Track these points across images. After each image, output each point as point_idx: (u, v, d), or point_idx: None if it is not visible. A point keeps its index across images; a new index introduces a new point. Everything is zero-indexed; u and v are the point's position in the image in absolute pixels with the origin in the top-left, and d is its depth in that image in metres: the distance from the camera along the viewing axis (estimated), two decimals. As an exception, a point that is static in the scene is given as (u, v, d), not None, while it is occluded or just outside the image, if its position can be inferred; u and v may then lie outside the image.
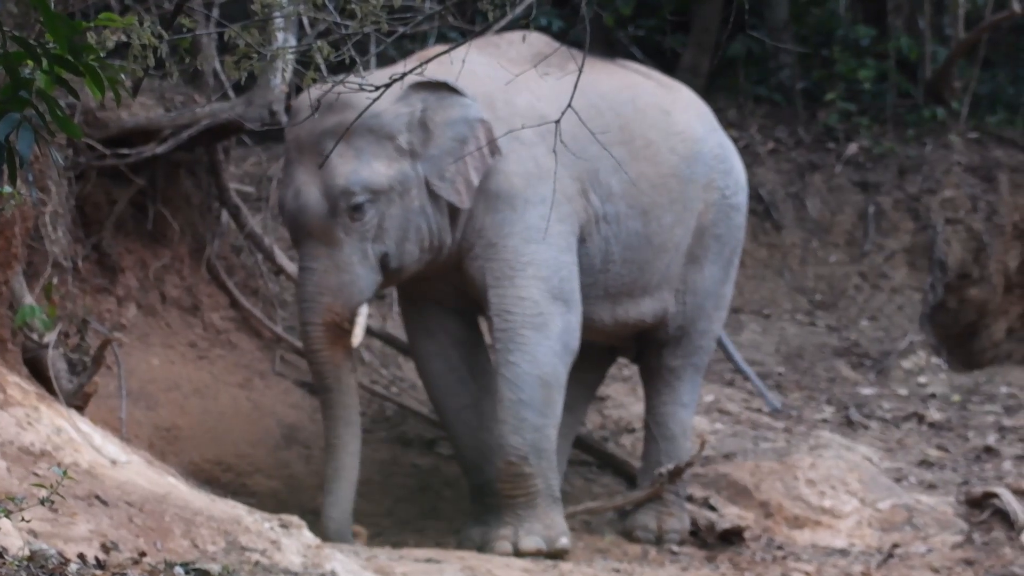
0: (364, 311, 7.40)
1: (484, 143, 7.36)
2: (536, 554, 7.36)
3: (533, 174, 7.50)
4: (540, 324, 7.49)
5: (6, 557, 4.53)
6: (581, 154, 7.03)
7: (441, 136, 7.37)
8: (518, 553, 7.36)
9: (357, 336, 7.39)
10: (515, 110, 7.47)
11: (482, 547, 7.57)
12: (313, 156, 7.31)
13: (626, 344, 8.41)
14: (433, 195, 7.40)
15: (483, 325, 8.08)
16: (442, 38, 10.15)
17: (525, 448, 7.46)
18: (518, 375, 7.47)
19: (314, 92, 7.43)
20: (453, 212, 7.47)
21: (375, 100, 5.02)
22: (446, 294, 7.78)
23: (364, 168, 7.28)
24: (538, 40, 7.72)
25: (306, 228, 7.35)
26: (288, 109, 8.41)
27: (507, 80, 7.10)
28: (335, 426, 7.43)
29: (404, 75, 4.90)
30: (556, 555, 7.43)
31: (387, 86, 4.84)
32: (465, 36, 9.06)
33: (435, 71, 7.06)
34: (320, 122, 7.25)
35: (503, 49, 7.76)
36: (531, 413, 7.46)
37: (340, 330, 7.35)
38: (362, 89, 5.01)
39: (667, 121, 8.09)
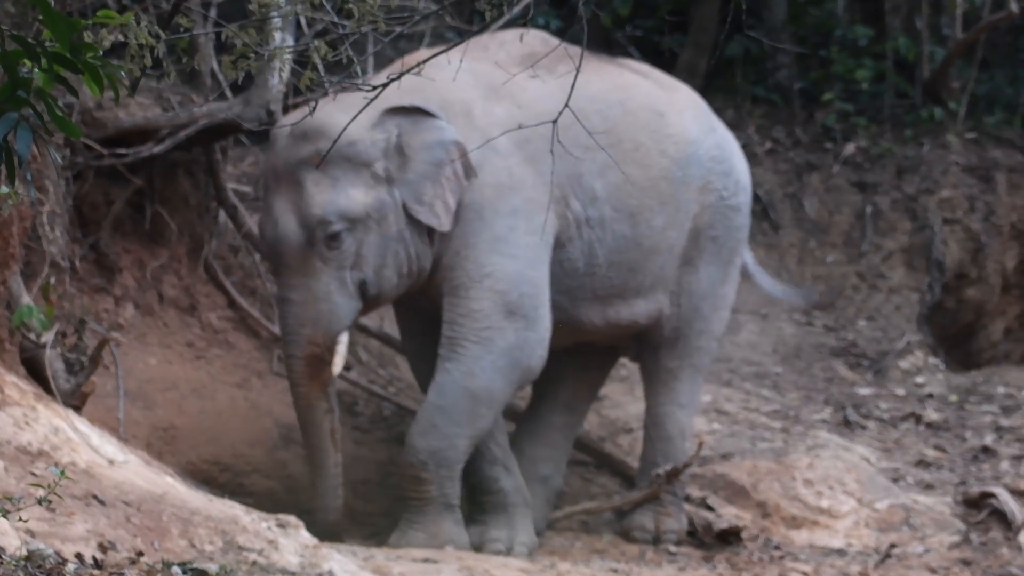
0: (344, 339, 7.39)
1: (459, 165, 7.34)
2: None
3: (505, 185, 7.47)
4: (485, 339, 7.45)
5: (4, 557, 4.53)
6: (563, 158, 7.00)
7: (417, 160, 7.34)
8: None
9: (337, 365, 7.39)
10: (493, 119, 7.44)
11: (479, 547, 7.57)
12: (290, 185, 7.31)
13: (625, 344, 8.40)
14: (411, 220, 7.37)
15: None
16: (439, 38, 10.14)
17: (425, 454, 7.43)
18: (446, 382, 7.44)
19: (291, 118, 7.44)
20: (431, 235, 7.46)
21: (372, 101, 5.02)
22: (423, 302, 7.73)
23: (341, 196, 7.26)
24: (533, 38, 7.66)
25: (284, 258, 7.34)
26: (286, 109, 8.42)
27: (490, 85, 7.07)
28: (313, 472, 7.54)
29: (401, 75, 4.90)
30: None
31: (384, 86, 4.84)
32: (462, 36, 9.05)
33: (416, 79, 7.05)
34: (295, 151, 7.27)
35: (491, 52, 7.69)
36: (445, 421, 7.43)
37: (321, 362, 7.34)
38: (359, 90, 5.01)
39: (659, 123, 8.02)
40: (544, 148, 6.68)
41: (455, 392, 7.43)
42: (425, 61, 4.98)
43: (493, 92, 7.39)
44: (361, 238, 7.31)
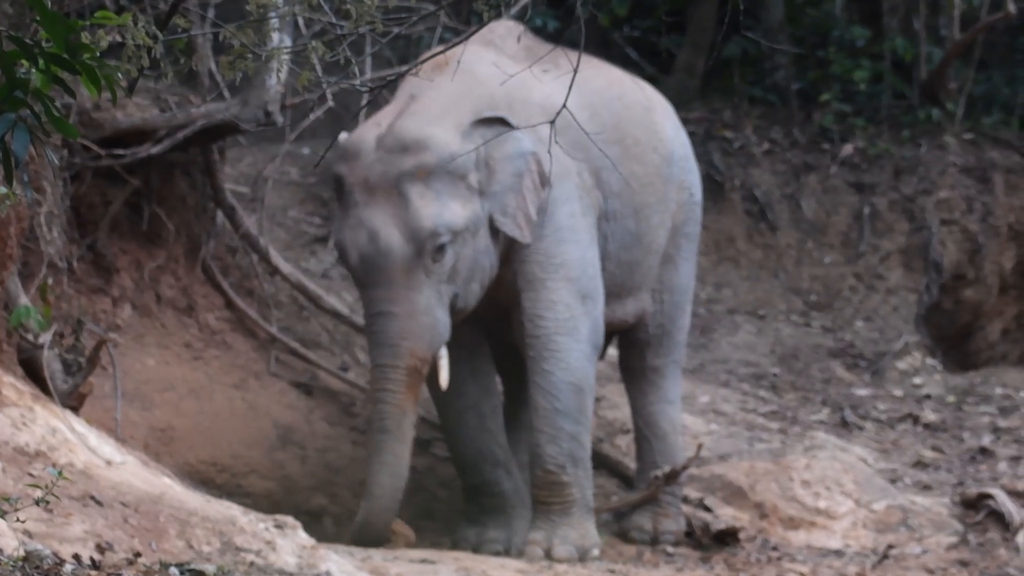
0: (445, 353, 7.35)
1: (536, 175, 7.36)
2: (567, 561, 7.34)
3: (557, 173, 7.47)
4: (571, 328, 7.49)
5: (1, 558, 4.52)
6: (588, 150, 7.08)
7: (502, 172, 7.36)
8: (550, 559, 7.36)
9: (445, 379, 7.35)
10: (532, 109, 7.45)
11: (477, 548, 7.58)
12: (390, 198, 7.24)
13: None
14: (494, 232, 7.39)
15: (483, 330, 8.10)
16: (439, 39, 10.15)
17: (562, 457, 7.48)
18: (553, 384, 7.46)
19: (369, 131, 7.38)
20: (495, 242, 7.46)
21: (371, 100, 5.02)
22: (501, 301, 7.71)
23: (446, 210, 7.23)
24: (524, 35, 7.73)
25: (386, 272, 7.23)
26: (283, 110, 8.41)
27: (514, 78, 7.08)
28: (381, 473, 7.27)
29: (401, 74, 4.91)
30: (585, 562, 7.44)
31: (383, 86, 4.84)
32: (460, 36, 9.06)
33: (461, 76, 7.10)
34: (397, 163, 7.23)
35: (498, 46, 7.74)
36: (567, 422, 7.47)
37: (418, 375, 7.28)
38: (356, 89, 5.01)
39: (649, 119, 8.13)
40: (575, 135, 6.74)
41: (563, 390, 7.47)
42: (423, 61, 4.98)
43: (522, 84, 7.36)
44: (459, 251, 7.29)
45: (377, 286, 7.29)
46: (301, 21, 8.41)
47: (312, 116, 8.89)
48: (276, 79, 8.09)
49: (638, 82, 8.45)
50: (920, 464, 9.26)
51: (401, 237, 7.22)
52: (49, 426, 5.96)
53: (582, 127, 6.47)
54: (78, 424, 6.26)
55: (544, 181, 7.40)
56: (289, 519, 5.99)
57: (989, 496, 8.42)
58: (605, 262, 7.84)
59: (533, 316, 7.50)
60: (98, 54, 3.59)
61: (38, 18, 3.50)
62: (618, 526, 8.23)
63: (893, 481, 8.91)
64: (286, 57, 6.06)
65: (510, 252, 7.51)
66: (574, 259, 7.54)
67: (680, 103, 11.74)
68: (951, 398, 10.40)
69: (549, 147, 5.35)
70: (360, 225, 7.27)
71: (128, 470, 6.08)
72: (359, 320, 8.97)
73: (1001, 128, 12.23)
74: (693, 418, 9.29)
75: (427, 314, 7.24)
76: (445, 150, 7.23)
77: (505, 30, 7.82)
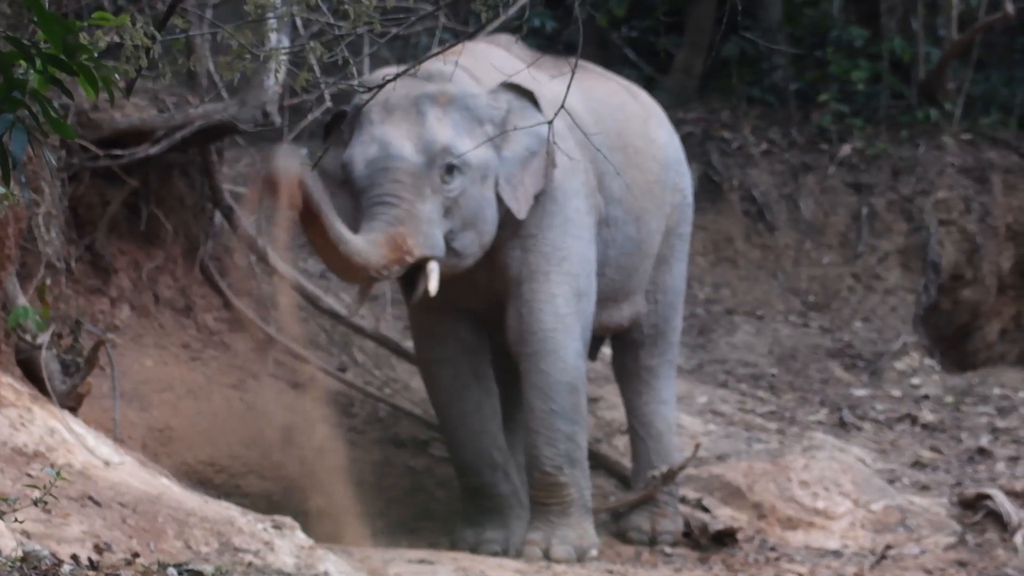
0: (435, 266, 7.18)
1: (543, 163, 7.37)
2: (565, 562, 7.34)
3: (568, 167, 7.47)
4: (568, 325, 7.48)
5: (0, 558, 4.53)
6: (594, 155, 7.08)
7: (517, 143, 7.36)
8: (548, 559, 7.36)
9: (434, 285, 7.16)
10: (544, 103, 7.46)
11: (475, 548, 7.58)
12: (407, 116, 7.21)
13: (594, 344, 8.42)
14: (498, 198, 7.38)
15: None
16: (438, 40, 10.15)
17: (559, 459, 7.47)
18: (549, 384, 7.46)
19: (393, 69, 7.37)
20: (503, 220, 7.45)
21: (371, 99, 5.02)
22: (461, 294, 7.66)
23: (460, 140, 7.20)
24: (525, 49, 7.76)
25: (393, 173, 7.12)
26: (282, 110, 8.40)
27: (525, 74, 7.11)
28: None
29: (399, 74, 4.91)
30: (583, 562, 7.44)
31: (382, 85, 4.84)
32: (458, 37, 9.06)
33: (469, 66, 7.10)
34: (419, 87, 7.21)
35: (504, 45, 7.79)
36: (563, 423, 7.46)
37: (397, 253, 7.06)
38: (355, 89, 5.02)
39: (645, 128, 8.18)
40: (579, 138, 6.75)
41: (559, 390, 7.46)
42: (422, 60, 4.99)
43: (533, 79, 7.38)
44: (465, 187, 7.24)
45: (381, 184, 7.16)
46: (299, 21, 8.42)
47: (310, 117, 8.88)
48: (274, 79, 8.08)
49: (632, 89, 8.47)
50: (918, 464, 9.26)
51: (413, 148, 7.18)
52: (47, 426, 5.96)
53: (584, 131, 6.50)
54: (76, 424, 6.26)
55: (550, 172, 7.41)
56: (287, 519, 5.99)
57: (987, 496, 8.42)
58: (604, 268, 7.84)
59: (533, 308, 7.48)
60: (96, 55, 3.59)
61: (36, 19, 3.50)
62: (616, 526, 8.23)
63: (891, 481, 8.92)
64: (284, 57, 6.07)
65: (514, 237, 7.51)
66: (577, 255, 7.55)
67: (678, 103, 11.78)
68: (949, 398, 10.40)
69: (548, 145, 5.35)
70: (372, 140, 7.22)
71: (126, 470, 6.08)
72: (357, 321, 8.97)
73: (999, 128, 12.25)
74: (691, 418, 9.29)
75: (427, 223, 7.14)
76: (469, 88, 7.26)
77: (506, 40, 7.86)
